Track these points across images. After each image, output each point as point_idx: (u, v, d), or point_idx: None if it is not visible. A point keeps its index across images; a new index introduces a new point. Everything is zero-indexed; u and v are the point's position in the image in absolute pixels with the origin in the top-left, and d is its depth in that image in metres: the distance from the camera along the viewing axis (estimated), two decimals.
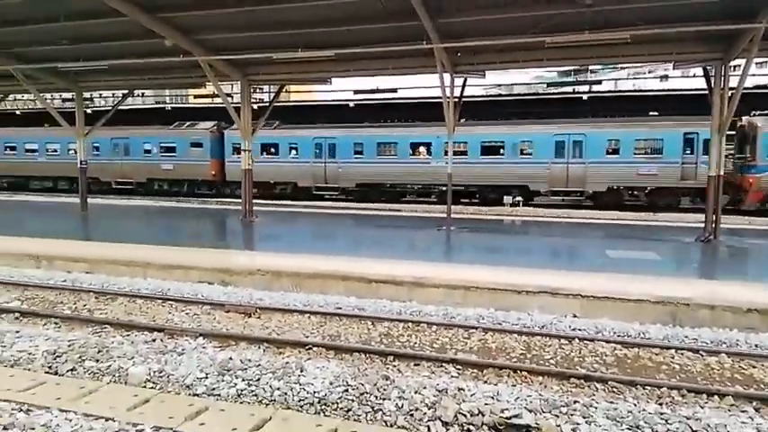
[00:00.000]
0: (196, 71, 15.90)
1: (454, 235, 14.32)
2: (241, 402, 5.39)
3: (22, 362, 5.92)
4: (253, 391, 5.50)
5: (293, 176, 25.35)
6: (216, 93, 17.75)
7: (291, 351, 6.68)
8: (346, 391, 5.40)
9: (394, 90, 22.62)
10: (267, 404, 5.36)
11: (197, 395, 5.37)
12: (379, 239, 14.23)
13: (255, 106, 21.63)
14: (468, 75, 15.21)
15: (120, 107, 21.70)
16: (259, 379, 5.61)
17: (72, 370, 5.73)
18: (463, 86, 16.05)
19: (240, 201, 17.09)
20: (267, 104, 22.08)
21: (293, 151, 25.51)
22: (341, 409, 5.27)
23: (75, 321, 7.73)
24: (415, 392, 5.34)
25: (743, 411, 5.22)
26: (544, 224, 17.53)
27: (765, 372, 6.11)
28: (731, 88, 12.40)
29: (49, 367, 5.81)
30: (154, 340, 6.82)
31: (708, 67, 13.26)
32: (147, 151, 27.36)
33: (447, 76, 14.39)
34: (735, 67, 13.82)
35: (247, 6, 12.34)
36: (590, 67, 51.52)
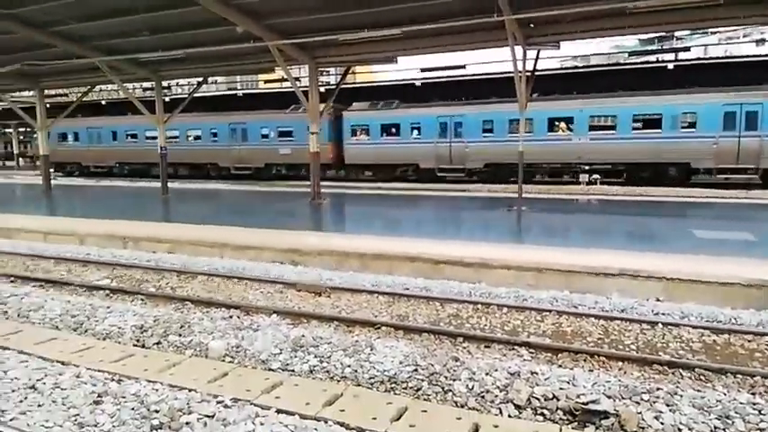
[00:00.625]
0: (266, 56, 16.25)
1: (525, 215, 13.90)
2: (314, 378, 5.54)
3: (113, 335, 6.39)
4: (324, 367, 5.63)
5: (415, 157, 24.52)
6: (285, 77, 18.12)
7: (361, 330, 6.76)
8: (416, 370, 5.40)
9: (462, 66, 22.06)
10: (339, 380, 5.48)
11: (272, 370, 5.55)
12: (447, 220, 14.07)
13: (322, 89, 22.02)
14: (541, 47, 14.55)
15: (195, 95, 22.70)
16: (330, 356, 5.73)
17: (158, 344, 6.12)
18: (536, 60, 15.37)
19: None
20: (333, 87, 22.37)
21: (415, 131, 24.55)
22: (411, 388, 5.28)
23: (159, 298, 8.22)
24: (486, 374, 5.24)
25: None
26: (622, 203, 16.63)
27: None
28: None
29: (137, 341, 6.23)
30: (231, 317, 7.11)
31: None
32: (265, 136, 27.59)
33: (519, 50, 13.83)
34: None
35: None
36: (675, 34, 47.97)
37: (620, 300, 7.46)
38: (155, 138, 29.57)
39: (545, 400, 4.87)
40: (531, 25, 13.21)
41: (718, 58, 28.82)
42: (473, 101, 23.64)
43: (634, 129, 20.71)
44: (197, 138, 29.75)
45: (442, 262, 9.22)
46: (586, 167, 21.89)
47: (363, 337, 6.25)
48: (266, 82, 33.98)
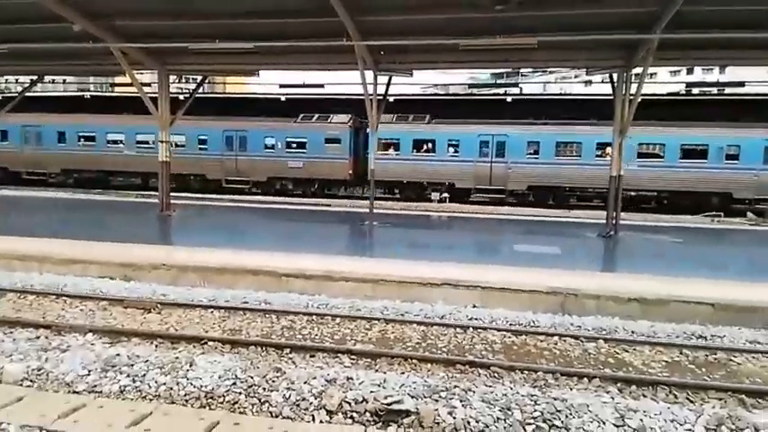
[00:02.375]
0: (110, 58, 15.17)
1: (376, 229, 14.51)
2: (123, 399, 5.28)
3: None
4: (137, 386, 5.39)
5: (451, 177, 23.46)
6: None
7: (186, 346, 6.58)
8: (234, 384, 5.40)
9: (321, 85, 22.55)
10: (151, 399, 5.28)
11: (77, 392, 5.19)
12: (299, 234, 14.18)
13: (182, 96, 21.06)
14: (392, 73, 15.46)
15: (35, 94, 20.32)
16: (145, 374, 5.49)
17: None
18: (388, 84, 16.27)
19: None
20: (204, 94, 21.53)
21: (451, 149, 23.61)
22: (227, 402, 5.27)
23: None
24: (304, 383, 5.41)
25: (606, 392, 5.67)
26: (471, 220, 18.07)
27: (635, 356, 6.65)
28: (632, 95, 13.28)
29: None
30: (38, 337, 6.50)
31: (613, 74, 14.14)
32: (270, 147, 24.99)
33: (370, 74, 14.56)
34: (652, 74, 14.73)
35: None
36: (520, 71, 53.85)
37: (443, 307, 8.15)
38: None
39: (355, 403, 5.16)
40: (382, 52, 14.01)
41: (551, 94, 32.93)
42: (516, 120, 22.96)
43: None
44: (179, 145, 25.82)
45: (286, 275, 9.30)
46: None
47: (186, 354, 6.09)
48: (114, 85, 31.50)
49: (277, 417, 5.07)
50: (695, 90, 31.39)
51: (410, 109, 24.28)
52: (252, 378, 5.45)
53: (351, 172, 24.21)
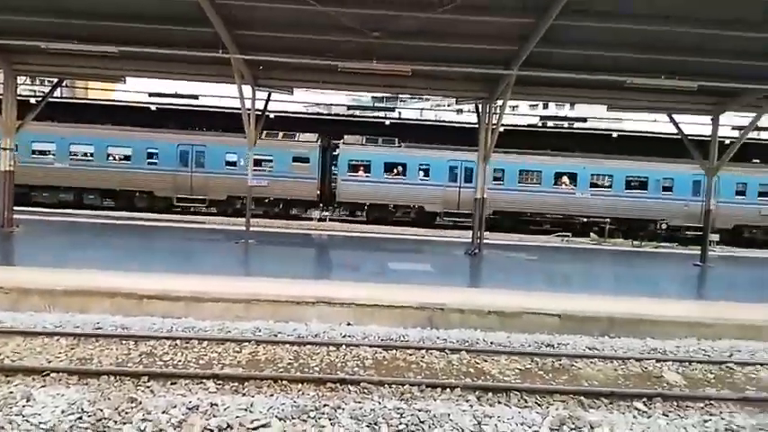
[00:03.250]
0: None
1: (252, 248, 14.10)
2: None
3: None
4: None
5: (420, 200, 23.18)
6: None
7: (23, 379, 5.83)
8: (80, 418, 4.90)
9: (195, 96, 21.60)
10: None
11: None
12: (167, 252, 13.32)
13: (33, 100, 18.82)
14: (272, 89, 15.31)
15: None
16: None
17: None
18: (267, 101, 16.08)
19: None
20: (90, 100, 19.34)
21: (421, 173, 23.34)
22: None
23: None
24: (163, 413, 5.07)
25: (466, 401, 6.04)
26: (350, 239, 18.26)
27: (493, 365, 7.16)
28: (494, 124, 14.51)
29: None
30: None
31: (479, 105, 15.34)
32: (231, 163, 22.75)
33: (248, 89, 14.27)
34: (514, 107, 16.13)
35: None
36: (399, 96, 56.29)
37: (317, 326, 8.13)
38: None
39: (219, 431, 4.95)
40: (261, 67, 13.83)
41: (429, 120, 34.86)
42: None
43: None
44: (125, 158, 23.09)
45: (148, 297, 8.66)
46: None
47: (22, 388, 5.39)
48: None
49: None
50: (550, 123, 35.25)
51: (293, 127, 24.13)
52: (101, 411, 4.99)
53: (318, 192, 23.77)
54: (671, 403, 6.13)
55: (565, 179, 23.37)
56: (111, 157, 23.10)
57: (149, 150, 23.01)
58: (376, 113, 33.59)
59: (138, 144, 22.89)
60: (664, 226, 23.10)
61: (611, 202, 23.06)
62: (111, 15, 11.79)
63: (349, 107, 40.05)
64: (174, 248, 14.02)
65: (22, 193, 21.68)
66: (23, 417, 4.84)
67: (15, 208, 14.95)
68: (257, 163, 22.24)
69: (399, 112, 34.95)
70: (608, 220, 22.90)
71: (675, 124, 15.17)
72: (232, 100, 18.49)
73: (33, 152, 22.52)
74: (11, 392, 5.15)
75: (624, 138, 25.49)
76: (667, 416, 5.81)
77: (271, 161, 23.20)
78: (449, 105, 56.35)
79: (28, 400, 5.03)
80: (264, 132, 22.91)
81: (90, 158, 22.84)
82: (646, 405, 6.06)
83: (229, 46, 11.95)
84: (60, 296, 8.40)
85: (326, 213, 23.27)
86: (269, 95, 15.85)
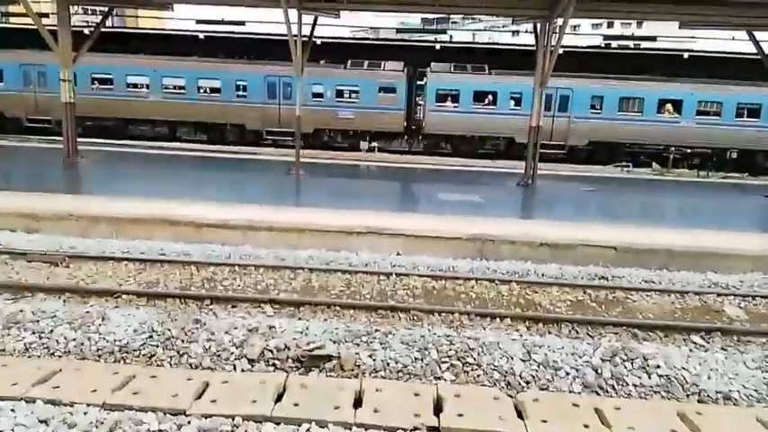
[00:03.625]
0: None
1: (303, 180, 14.26)
2: (29, 356, 5.02)
3: None
4: (44, 343, 5.14)
5: (510, 131, 21.57)
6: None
7: (97, 300, 6.30)
8: (150, 337, 5.28)
9: (242, 23, 21.19)
10: (60, 356, 5.06)
11: None
12: (222, 183, 13.69)
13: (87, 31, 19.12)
14: (318, 13, 14.82)
15: None
16: (53, 331, 5.24)
17: None
18: (313, 25, 15.61)
19: None
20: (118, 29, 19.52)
21: (512, 102, 21.89)
22: (143, 355, 5.16)
23: None
24: (225, 333, 5.38)
25: (516, 330, 6.07)
26: (399, 170, 18.13)
27: (544, 296, 7.12)
28: (552, 46, 13.58)
29: None
30: None
31: (537, 25, 14.33)
32: (318, 95, 22.13)
33: (294, 13, 13.86)
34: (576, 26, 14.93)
35: None
36: (450, 18, 53.49)
37: (368, 255, 8.27)
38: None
39: (277, 351, 5.22)
40: None
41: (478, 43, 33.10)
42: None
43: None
44: (214, 90, 22.66)
45: (207, 225, 9.02)
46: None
47: (97, 308, 5.82)
48: (7, 15, 27.98)
49: (196, 368, 5.04)
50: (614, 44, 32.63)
51: (335, 54, 23.46)
52: (169, 331, 5.34)
53: (405, 124, 22.64)
54: (730, 338, 5.95)
55: (668, 107, 21.48)
56: (201, 90, 22.66)
57: (238, 83, 22.48)
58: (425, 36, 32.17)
59: (226, 75, 22.43)
60: (734, 155, 21.50)
61: (720, 133, 21.19)
62: None
63: (398, 30, 38.51)
64: (226, 180, 14.37)
65: (118, 127, 22.69)
66: (100, 334, 5.25)
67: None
68: (340, 94, 22.14)
69: (451, 35, 33.31)
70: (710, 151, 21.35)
71: (756, 43, 13.68)
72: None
73: (128, 85, 22.55)
74: (87, 312, 5.56)
75: (697, 58, 23.37)
76: (726, 350, 5.66)
77: (357, 92, 22.18)
78: (504, 26, 53.36)
79: (103, 320, 5.43)
80: (349, 61, 22.62)
81: (182, 91, 22.64)
82: (703, 339, 5.92)
83: None
84: (127, 224, 8.88)
85: (375, 144, 22.99)
86: (315, 19, 15.34)
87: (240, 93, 22.44)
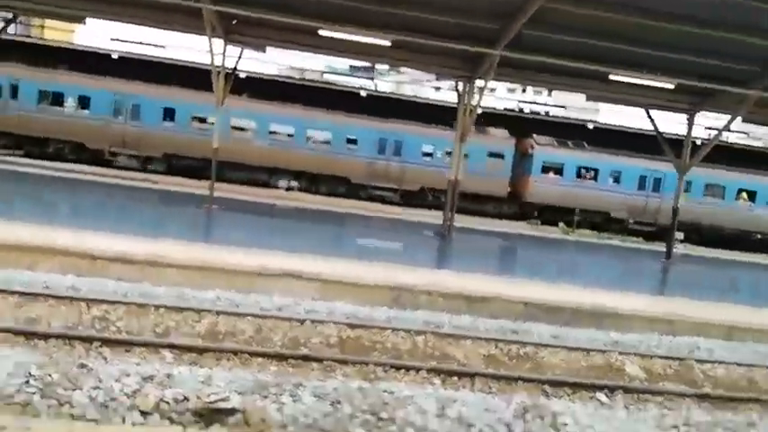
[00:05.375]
0: None
1: (217, 215, 13.62)
2: None
3: None
4: None
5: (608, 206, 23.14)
6: None
7: None
8: (27, 382, 4.58)
9: (162, 46, 20.51)
10: None
11: None
12: (130, 214, 12.73)
13: None
14: (245, 46, 14.65)
15: None
16: None
17: None
18: (239, 58, 15.38)
19: None
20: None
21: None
22: (17, 403, 4.45)
23: None
24: (116, 381, 4.80)
25: (431, 383, 5.98)
26: (318, 211, 17.87)
27: (458, 348, 7.12)
28: (473, 105, 14.33)
29: None
30: None
31: (458, 84, 15.10)
32: (427, 154, 22.45)
33: (219, 43, 13.60)
34: (492, 89, 15.90)
35: None
36: (376, 66, 55.21)
37: (281, 299, 7.89)
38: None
39: (175, 402, 4.71)
40: (235, 21, 13.13)
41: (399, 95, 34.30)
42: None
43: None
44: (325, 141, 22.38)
45: (103, 258, 8.23)
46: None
47: None
48: None
49: (79, 418, 4.43)
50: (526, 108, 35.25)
51: (264, 90, 23.22)
52: (50, 376, 4.68)
53: (510, 190, 23.60)
54: (631, 396, 6.24)
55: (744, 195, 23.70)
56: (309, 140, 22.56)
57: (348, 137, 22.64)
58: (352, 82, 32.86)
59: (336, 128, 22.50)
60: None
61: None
62: None
63: (323, 73, 39.01)
64: (131, 210, 13.37)
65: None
66: None
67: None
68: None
69: (376, 84, 34.32)
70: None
71: (652, 120, 15.35)
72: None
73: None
74: None
75: (600, 130, 25.82)
76: (628, 408, 5.91)
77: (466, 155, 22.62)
78: (427, 81, 55.77)
79: None
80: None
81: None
82: (607, 396, 6.15)
83: None
84: (5, 251, 7.88)
85: (294, 183, 22.65)
86: (241, 52, 15.13)
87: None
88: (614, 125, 27.45)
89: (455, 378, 6.21)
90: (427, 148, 22.81)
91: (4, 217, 9.47)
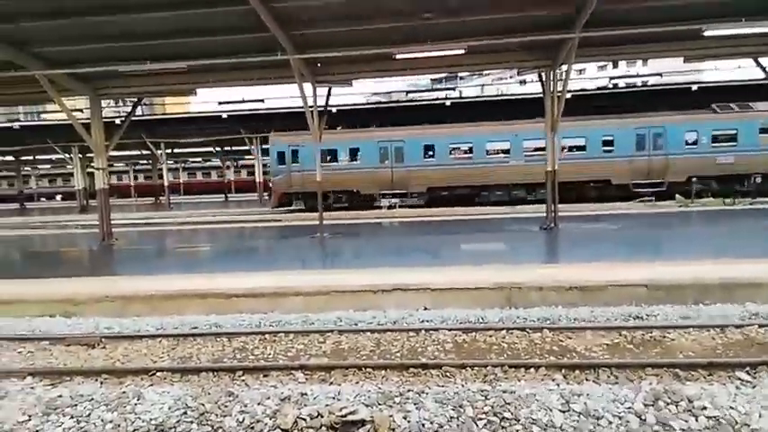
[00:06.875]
0: (37, 86, 14.51)
1: (327, 241, 14.49)
2: None
3: None
4: (82, 427, 5.21)
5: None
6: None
7: (133, 380, 6.39)
8: (185, 413, 5.31)
9: (261, 100, 22.35)
10: None
11: None
12: (246, 251, 13.99)
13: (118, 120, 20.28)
14: (331, 84, 15.55)
15: None
16: (90, 414, 5.32)
17: None
18: (328, 96, 16.35)
19: None
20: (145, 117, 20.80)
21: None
22: None
23: None
24: (258, 404, 5.38)
25: (552, 380, 5.91)
26: (420, 223, 18.28)
27: (578, 341, 6.95)
28: (559, 92, 13.89)
29: None
30: None
31: (542, 73, 14.73)
32: (692, 143, 22.11)
33: (309, 86, 14.59)
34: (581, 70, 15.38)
35: (89, 17, 11.53)
36: (458, 74, 55.19)
37: (395, 312, 8.24)
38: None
39: (311, 419, 5.17)
40: (319, 64, 14.06)
41: (484, 96, 33.99)
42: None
43: None
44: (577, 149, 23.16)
45: (236, 295, 9.18)
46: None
47: (133, 388, 5.91)
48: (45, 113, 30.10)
49: None
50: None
51: (354, 119, 24.42)
52: (203, 405, 5.36)
53: None
54: None
55: None
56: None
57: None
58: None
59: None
60: (758, 179, 21.05)
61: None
62: (175, 32, 12.42)
63: (407, 92, 39.77)
64: (248, 247, 14.54)
65: None
66: (136, 414, 5.31)
67: None
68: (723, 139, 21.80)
69: (460, 91, 34.24)
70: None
71: (763, 69, 13.77)
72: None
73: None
74: (123, 393, 5.65)
75: (706, 90, 23.48)
76: None
77: (735, 134, 21.80)
78: (510, 77, 54.55)
79: (139, 399, 5.50)
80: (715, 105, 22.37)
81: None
82: (749, 374, 5.66)
83: (287, 47, 12.25)
84: (160, 301, 9.10)
85: (396, 201, 23.34)
86: (329, 90, 16.11)
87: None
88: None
89: (577, 372, 6.07)
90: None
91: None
